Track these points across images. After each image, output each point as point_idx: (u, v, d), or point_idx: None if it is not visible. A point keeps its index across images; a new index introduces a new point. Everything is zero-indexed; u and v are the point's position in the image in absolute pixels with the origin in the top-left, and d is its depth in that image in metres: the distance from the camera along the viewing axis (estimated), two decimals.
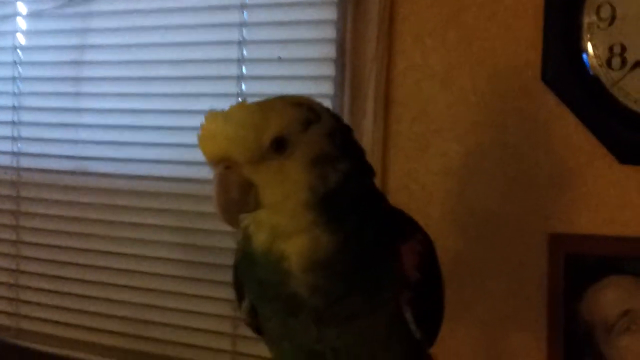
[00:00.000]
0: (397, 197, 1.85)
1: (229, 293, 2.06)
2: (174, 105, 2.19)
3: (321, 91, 1.94)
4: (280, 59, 2.02)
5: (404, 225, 1.12)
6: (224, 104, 2.06)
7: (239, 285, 1.22)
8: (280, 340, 1.15)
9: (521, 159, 1.78)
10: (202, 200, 2.15)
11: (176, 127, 2.19)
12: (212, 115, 1.01)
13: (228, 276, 2.05)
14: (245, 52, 2.08)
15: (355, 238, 1.01)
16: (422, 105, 1.88)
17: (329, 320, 1.05)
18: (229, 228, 2.03)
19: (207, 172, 2.08)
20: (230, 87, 2.09)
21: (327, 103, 1.73)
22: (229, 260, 2.05)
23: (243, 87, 2.08)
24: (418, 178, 1.89)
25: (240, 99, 2.05)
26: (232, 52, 2.08)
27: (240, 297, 1.22)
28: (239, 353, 2.11)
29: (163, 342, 2.22)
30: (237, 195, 0.98)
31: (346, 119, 1.89)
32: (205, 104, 2.09)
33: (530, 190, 1.78)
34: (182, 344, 2.20)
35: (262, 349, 1.97)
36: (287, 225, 0.99)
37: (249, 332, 2.00)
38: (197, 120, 2.09)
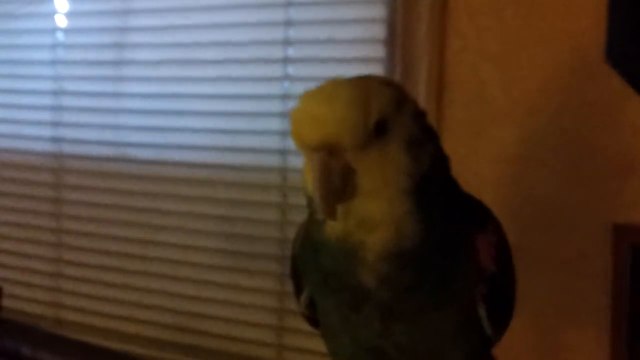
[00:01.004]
0: None
1: (274, 284, 2.02)
2: (218, 90, 2.14)
3: (370, 73, 1.85)
4: (328, 41, 1.94)
5: (477, 213, 1.04)
6: (268, 89, 2.03)
7: (297, 277, 1.13)
8: (339, 335, 1.07)
9: (582, 144, 1.69)
10: (247, 188, 2.10)
11: (220, 112, 2.13)
12: (311, 95, 0.91)
13: (273, 267, 2.03)
14: (291, 34, 2.01)
15: (439, 227, 0.94)
16: (477, 89, 1.79)
17: (396, 315, 0.97)
18: (273, 216, 2.01)
19: (252, 159, 2.06)
20: (276, 70, 2.03)
21: None
22: (274, 250, 2.03)
23: (289, 70, 2.01)
24: (471, 165, 1.80)
25: (286, 84, 2.00)
26: (278, 34, 2.02)
27: (298, 289, 1.14)
28: (284, 346, 2.05)
29: (206, 334, 2.17)
30: (340, 183, 0.89)
31: None
32: (250, 88, 2.08)
33: (592, 178, 1.69)
34: (226, 337, 2.14)
35: (308, 342, 1.95)
36: (380, 213, 0.91)
37: (294, 324, 1.98)
38: (242, 105, 2.07)
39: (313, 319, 1.14)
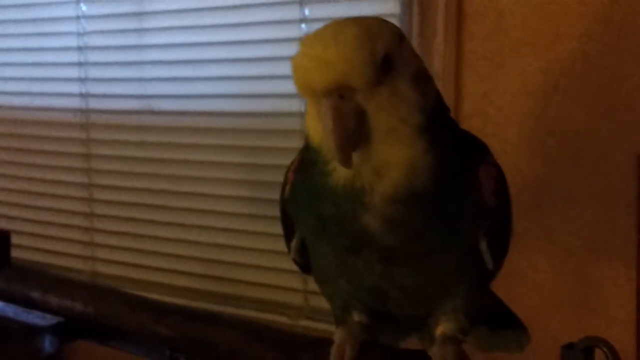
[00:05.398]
0: (472, 122, 1.74)
1: None
2: (237, 36, 2.12)
3: (387, 10, 1.84)
4: None
5: (476, 147, 1.02)
6: (287, 32, 2.00)
7: (287, 222, 1.11)
8: (336, 278, 1.05)
9: (606, 71, 1.63)
10: (270, 135, 2.09)
11: (239, 58, 2.12)
12: (313, 38, 0.88)
13: None
14: None
15: (449, 165, 0.91)
16: (497, 19, 1.73)
17: (398, 258, 0.95)
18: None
19: (273, 105, 2.04)
20: (293, 13, 2.00)
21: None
22: None
23: (306, 12, 1.97)
24: (494, 100, 1.75)
25: (304, 25, 1.97)
26: None
27: (289, 234, 1.12)
28: (310, 291, 2.04)
29: (234, 282, 2.18)
30: (354, 127, 0.86)
31: (415, 39, 1.78)
32: (269, 33, 2.05)
33: (618, 106, 1.63)
34: (255, 283, 2.15)
35: None
36: (397, 155, 0.88)
37: None
38: (260, 51, 2.04)
39: (304, 265, 1.13)
